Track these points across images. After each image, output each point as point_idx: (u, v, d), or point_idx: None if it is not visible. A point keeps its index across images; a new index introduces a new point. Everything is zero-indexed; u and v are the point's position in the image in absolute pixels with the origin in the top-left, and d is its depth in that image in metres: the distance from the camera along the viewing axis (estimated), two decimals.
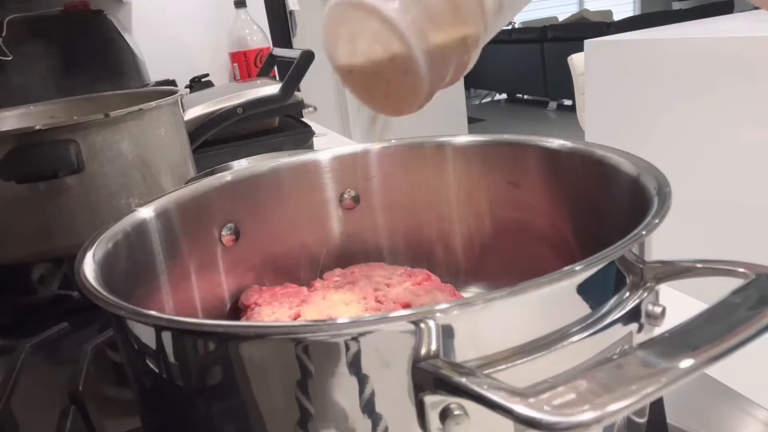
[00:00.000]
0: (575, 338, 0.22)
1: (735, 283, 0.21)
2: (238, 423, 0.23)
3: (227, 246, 0.41)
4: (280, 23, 1.50)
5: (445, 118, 2.73)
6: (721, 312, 0.19)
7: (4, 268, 0.56)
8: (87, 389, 0.37)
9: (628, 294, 0.24)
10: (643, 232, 0.24)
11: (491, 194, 0.43)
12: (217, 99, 0.88)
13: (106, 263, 0.29)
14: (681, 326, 0.18)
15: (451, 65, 0.31)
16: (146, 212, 0.36)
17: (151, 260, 0.35)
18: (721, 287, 0.20)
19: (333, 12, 0.31)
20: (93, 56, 1.16)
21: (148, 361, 0.25)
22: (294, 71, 0.88)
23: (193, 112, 0.86)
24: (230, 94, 0.89)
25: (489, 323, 0.21)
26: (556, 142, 0.38)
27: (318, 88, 1.85)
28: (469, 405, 0.18)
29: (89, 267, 0.28)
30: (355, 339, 0.20)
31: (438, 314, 0.20)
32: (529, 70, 4.94)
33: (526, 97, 5.57)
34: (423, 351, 0.19)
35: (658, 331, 0.24)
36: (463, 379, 0.18)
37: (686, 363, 0.17)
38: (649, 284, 0.24)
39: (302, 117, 1.10)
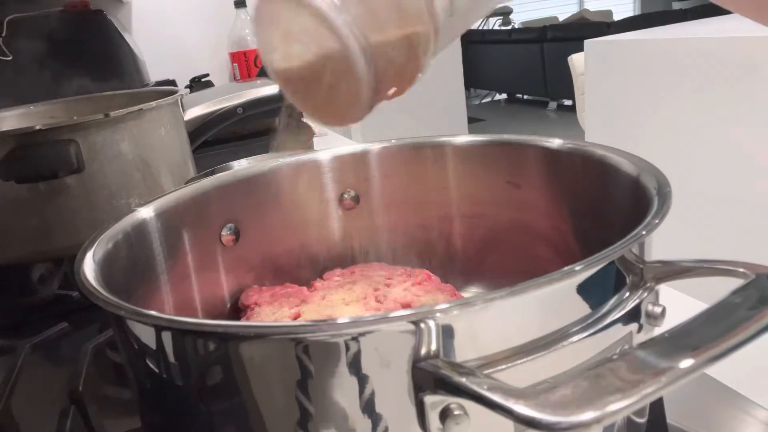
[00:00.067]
0: (575, 338, 0.22)
1: (735, 283, 0.21)
2: (238, 423, 0.23)
3: (227, 246, 0.41)
4: None
5: (445, 118, 2.73)
6: (721, 312, 0.19)
7: (4, 268, 0.56)
8: (87, 389, 0.37)
9: (628, 294, 0.24)
10: (643, 232, 0.24)
11: (491, 194, 0.43)
12: (217, 99, 0.88)
13: (106, 263, 0.30)
14: (681, 326, 0.19)
15: (397, 70, 0.28)
16: (146, 212, 0.36)
17: (151, 260, 0.35)
18: (721, 287, 0.20)
19: (263, 10, 0.28)
20: (93, 56, 1.16)
21: (148, 361, 0.25)
22: None
23: (193, 112, 0.86)
24: (230, 94, 0.89)
25: (489, 323, 0.21)
26: (556, 142, 0.38)
27: None
28: (469, 405, 0.18)
29: (89, 267, 0.28)
30: (355, 339, 0.20)
31: (438, 314, 0.20)
32: (529, 70, 4.94)
33: (526, 97, 5.55)
34: (423, 351, 0.19)
35: (658, 331, 0.24)
36: (463, 379, 0.18)
37: (686, 363, 0.17)
38: (649, 284, 0.24)
39: (302, 117, 1.10)
